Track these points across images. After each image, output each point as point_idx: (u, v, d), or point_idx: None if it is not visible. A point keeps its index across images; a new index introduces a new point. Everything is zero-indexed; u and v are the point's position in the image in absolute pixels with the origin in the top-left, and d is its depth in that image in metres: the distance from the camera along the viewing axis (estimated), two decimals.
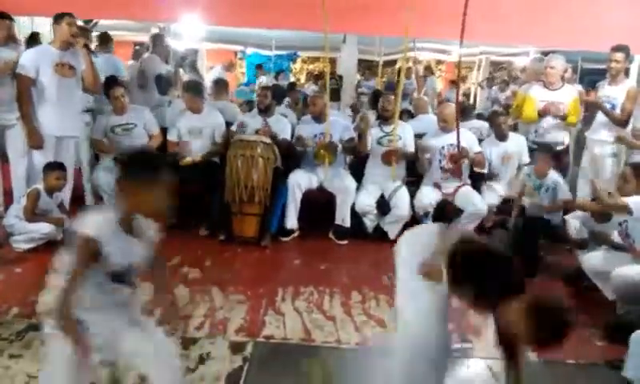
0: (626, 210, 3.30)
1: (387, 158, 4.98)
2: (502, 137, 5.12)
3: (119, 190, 1.96)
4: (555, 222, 4.45)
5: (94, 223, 1.86)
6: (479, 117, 6.74)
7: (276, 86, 7.85)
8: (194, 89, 5.22)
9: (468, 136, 5.01)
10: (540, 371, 3.00)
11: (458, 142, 4.67)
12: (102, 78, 5.09)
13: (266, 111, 5.25)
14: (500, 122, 5.14)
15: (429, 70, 11.63)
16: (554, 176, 4.44)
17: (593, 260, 3.76)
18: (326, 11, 4.54)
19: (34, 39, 5.99)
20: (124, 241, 1.94)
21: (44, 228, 4.17)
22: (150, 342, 2.02)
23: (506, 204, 4.99)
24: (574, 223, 4.21)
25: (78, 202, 5.02)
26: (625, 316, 3.31)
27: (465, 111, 6.53)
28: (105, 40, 6.38)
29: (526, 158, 5.06)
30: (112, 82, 5.11)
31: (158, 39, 6.62)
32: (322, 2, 4.49)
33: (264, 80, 11.78)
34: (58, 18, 4.38)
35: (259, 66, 12.84)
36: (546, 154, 4.47)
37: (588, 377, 3.00)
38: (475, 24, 4.39)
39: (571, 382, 2.97)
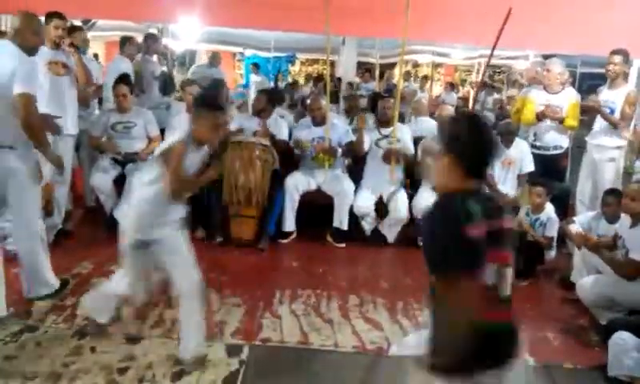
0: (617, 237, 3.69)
1: (387, 157, 4.97)
2: (507, 143, 5.06)
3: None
4: (550, 257, 4.46)
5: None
6: None
7: (273, 90, 7.77)
8: (190, 84, 5.26)
9: None
10: (539, 375, 3.00)
11: None
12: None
13: (259, 114, 5.22)
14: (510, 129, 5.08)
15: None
16: (549, 212, 4.40)
17: (583, 287, 3.74)
18: (329, 13, 4.53)
19: None
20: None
21: None
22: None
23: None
24: (575, 228, 4.19)
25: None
26: (614, 321, 3.32)
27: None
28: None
29: (528, 166, 5.00)
30: (119, 79, 5.06)
31: (151, 40, 6.57)
32: (325, 4, 4.47)
33: (257, 79, 11.77)
34: (47, 19, 4.36)
35: (255, 65, 12.84)
36: (540, 187, 4.42)
37: (586, 381, 3.00)
38: (473, 27, 4.39)
39: None
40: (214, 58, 9.32)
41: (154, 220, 2.69)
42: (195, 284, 2.82)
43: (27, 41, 3.27)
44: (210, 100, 2.81)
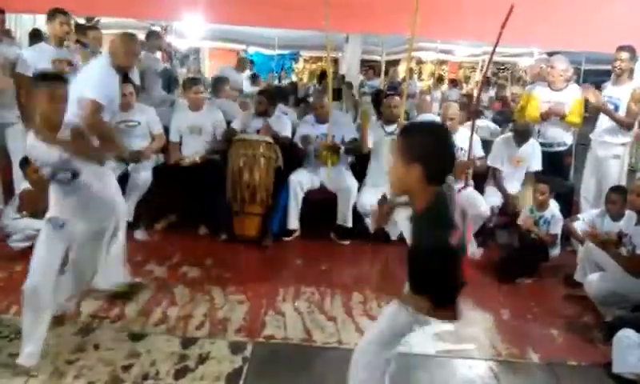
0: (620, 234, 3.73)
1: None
2: (520, 143, 5.04)
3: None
4: (554, 254, 4.45)
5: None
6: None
7: (276, 88, 7.75)
8: (195, 83, 5.25)
9: (474, 139, 4.97)
10: (542, 372, 3.00)
11: (470, 150, 4.65)
12: None
13: (262, 115, 5.22)
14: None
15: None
16: (553, 209, 4.40)
17: (590, 284, 3.71)
18: (328, 10, 4.51)
19: (36, 36, 5.97)
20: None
21: (37, 224, 4.12)
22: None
23: (509, 205, 4.95)
24: (580, 225, 4.18)
25: None
26: (619, 318, 3.32)
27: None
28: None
29: (535, 165, 4.98)
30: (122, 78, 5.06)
31: (153, 36, 6.57)
32: (325, 1, 4.46)
33: (247, 74, 11.80)
34: (50, 16, 4.38)
35: (250, 61, 12.88)
36: (544, 184, 4.41)
37: (590, 378, 2.99)
38: (476, 24, 4.37)
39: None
40: (241, 63, 9.85)
41: (66, 203, 2.82)
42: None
43: (118, 59, 3.55)
44: (43, 74, 2.86)
